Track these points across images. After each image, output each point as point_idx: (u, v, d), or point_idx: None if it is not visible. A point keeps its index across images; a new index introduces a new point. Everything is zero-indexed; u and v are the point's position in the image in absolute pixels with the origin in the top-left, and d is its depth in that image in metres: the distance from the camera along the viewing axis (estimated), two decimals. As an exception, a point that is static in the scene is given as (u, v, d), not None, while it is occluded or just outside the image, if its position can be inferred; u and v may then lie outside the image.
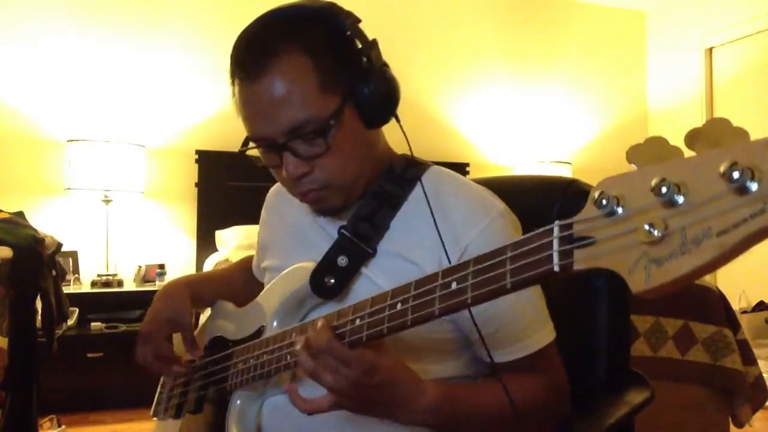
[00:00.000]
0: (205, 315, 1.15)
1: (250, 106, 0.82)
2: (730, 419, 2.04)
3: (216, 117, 3.80)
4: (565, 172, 4.32)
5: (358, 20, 0.83)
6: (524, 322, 0.83)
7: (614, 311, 0.98)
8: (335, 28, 0.81)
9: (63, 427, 2.65)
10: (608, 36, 4.95)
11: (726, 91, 4.45)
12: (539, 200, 1.05)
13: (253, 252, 1.18)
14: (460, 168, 4.18)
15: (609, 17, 4.95)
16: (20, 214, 1.98)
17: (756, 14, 4.21)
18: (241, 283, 1.16)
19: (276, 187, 1.09)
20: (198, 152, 3.76)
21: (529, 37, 4.69)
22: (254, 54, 0.80)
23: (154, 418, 1.11)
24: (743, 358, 1.97)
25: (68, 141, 3.37)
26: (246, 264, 1.19)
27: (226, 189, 3.74)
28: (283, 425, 0.89)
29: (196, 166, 3.76)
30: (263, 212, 1.10)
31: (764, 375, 2.05)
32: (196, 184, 3.75)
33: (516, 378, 0.81)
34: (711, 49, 4.55)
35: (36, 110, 3.52)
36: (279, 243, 1.03)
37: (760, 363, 2.08)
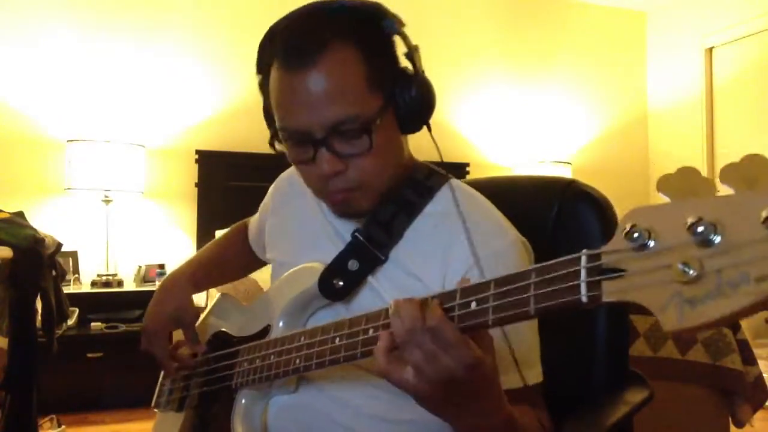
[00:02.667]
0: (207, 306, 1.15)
1: (290, 96, 0.78)
2: (730, 419, 2.04)
3: (216, 117, 3.80)
4: (565, 172, 4.32)
5: (403, 24, 0.82)
6: (511, 357, 0.78)
7: (613, 311, 0.98)
8: (384, 29, 0.81)
9: (63, 427, 2.65)
10: (608, 36, 4.95)
11: (726, 91, 4.45)
12: (538, 201, 1.05)
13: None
14: (461, 168, 4.18)
15: (609, 17, 4.95)
16: (20, 214, 1.98)
17: (756, 14, 4.21)
18: (238, 258, 1.16)
19: (288, 174, 1.06)
20: (198, 152, 3.76)
21: (529, 37, 4.69)
22: (305, 43, 0.77)
23: (155, 410, 1.11)
24: (743, 358, 1.97)
25: (68, 141, 3.37)
26: (240, 236, 1.18)
27: (226, 189, 3.74)
28: (289, 425, 0.89)
29: (196, 166, 3.75)
30: (271, 197, 1.08)
31: (764, 375, 2.05)
32: (196, 184, 3.75)
33: (530, 410, 0.78)
34: (711, 49, 4.55)
35: (36, 110, 3.52)
36: (287, 236, 1.01)
37: (760, 363, 2.08)
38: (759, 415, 2.22)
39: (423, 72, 0.83)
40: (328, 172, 0.79)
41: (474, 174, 4.24)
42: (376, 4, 0.82)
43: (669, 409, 1.94)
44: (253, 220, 1.16)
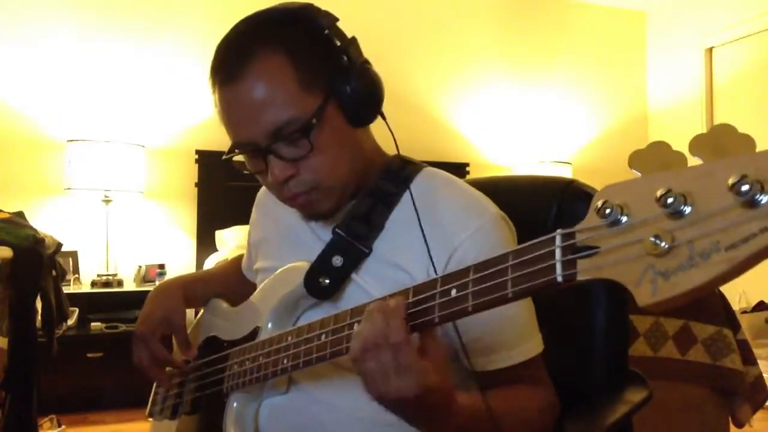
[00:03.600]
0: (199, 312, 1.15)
1: (230, 112, 0.81)
2: (730, 419, 2.04)
3: (216, 117, 3.77)
4: (565, 172, 4.32)
5: (336, 19, 0.82)
6: (509, 332, 0.81)
7: (612, 310, 0.98)
8: (312, 27, 0.81)
9: (63, 427, 2.65)
10: (608, 36, 4.95)
11: (726, 91, 4.45)
12: (537, 201, 1.05)
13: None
14: (460, 168, 4.18)
15: (609, 17, 4.95)
16: (20, 214, 1.98)
17: (756, 14, 4.21)
18: (235, 283, 1.15)
19: (266, 187, 1.08)
20: (198, 152, 3.76)
21: (529, 37, 4.69)
22: (231, 59, 0.80)
23: (150, 419, 1.11)
24: (743, 358, 1.97)
25: (68, 141, 3.37)
26: (238, 263, 1.18)
27: (226, 189, 3.74)
28: (281, 427, 0.88)
29: (196, 166, 3.76)
30: (253, 212, 1.09)
31: (764, 375, 2.05)
32: (196, 184, 3.75)
33: (513, 392, 0.79)
34: (711, 49, 4.55)
35: (36, 110, 3.52)
36: (270, 244, 1.02)
37: (760, 363, 2.08)
38: (759, 415, 2.22)
39: (364, 63, 0.82)
40: (279, 177, 0.80)
41: (474, 174, 4.24)
42: (304, 5, 0.82)
43: (669, 409, 1.94)
44: (245, 253, 1.16)
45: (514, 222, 0.88)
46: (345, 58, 0.80)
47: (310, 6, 0.82)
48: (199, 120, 3.82)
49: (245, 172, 0.86)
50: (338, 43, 0.81)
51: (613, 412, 0.88)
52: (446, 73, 4.39)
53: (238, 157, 0.85)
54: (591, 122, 4.87)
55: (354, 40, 0.82)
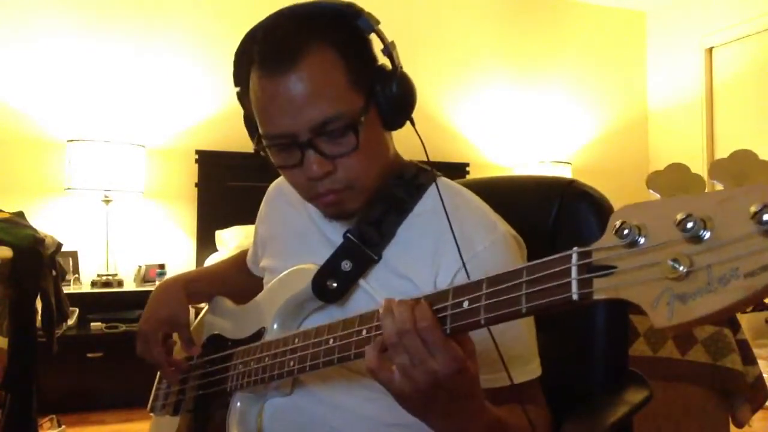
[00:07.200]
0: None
1: (272, 102, 0.78)
2: (730, 419, 2.04)
3: (216, 117, 3.80)
4: (565, 172, 4.32)
5: (378, 21, 0.82)
6: (510, 353, 0.78)
7: (612, 310, 0.98)
8: (358, 27, 0.81)
9: (63, 427, 2.65)
10: (608, 36, 4.95)
11: (726, 91, 4.45)
12: (537, 201, 1.05)
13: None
14: (460, 168, 4.18)
15: (609, 17, 4.95)
16: (20, 214, 1.98)
17: (756, 14, 4.21)
18: (237, 279, 1.15)
19: (277, 183, 1.06)
20: (198, 152, 3.76)
21: (529, 37, 4.69)
22: (281, 48, 0.77)
23: (151, 414, 1.11)
24: (743, 358, 1.97)
25: (68, 141, 3.37)
26: (241, 258, 1.18)
27: (226, 189, 3.74)
28: (285, 427, 0.88)
29: (196, 166, 3.75)
30: (263, 207, 1.08)
31: (764, 375, 2.04)
32: (196, 184, 3.75)
33: (516, 410, 0.77)
34: (711, 49, 4.55)
35: (36, 110, 3.52)
36: (278, 243, 1.02)
37: (760, 363, 2.08)
38: (759, 415, 2.22)
39: (401, 67, 0.83)
40: (317, 173, 0.79)
41: (474, 174, 4.24)
42: (349, 4, 0.81)
43: (669, 409, 1.94)
44: (251, 246, 1.15)
45: (514, 222, 0.88)
46: (387, 62, 0.81)
47: (353, 5, 0.81)
48: (199, 120, 3.82)
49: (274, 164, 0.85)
50: (382, 46, 0.81)
51: (614, 412, 0.87)
52: (446, 73, 4.39)
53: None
54: (591, 122, 4.87)
55: (394, 44, 0.82)
